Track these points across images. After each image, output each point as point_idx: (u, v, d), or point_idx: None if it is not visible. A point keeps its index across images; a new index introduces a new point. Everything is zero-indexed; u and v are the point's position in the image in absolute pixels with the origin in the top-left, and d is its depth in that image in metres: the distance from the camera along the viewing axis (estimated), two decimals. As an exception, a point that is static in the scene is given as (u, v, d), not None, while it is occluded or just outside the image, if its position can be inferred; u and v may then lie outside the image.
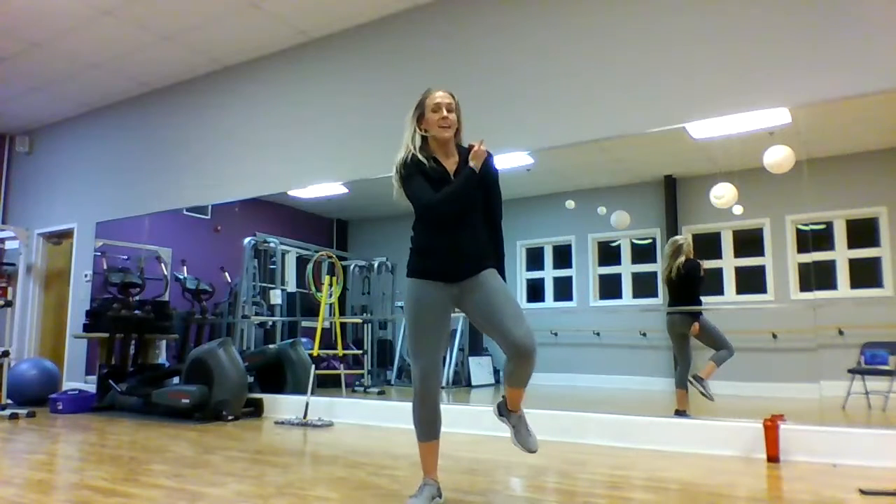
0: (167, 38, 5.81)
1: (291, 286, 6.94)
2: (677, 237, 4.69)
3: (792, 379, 4.46)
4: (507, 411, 2.60)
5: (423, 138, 2.53)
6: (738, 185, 4.50)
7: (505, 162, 4.32)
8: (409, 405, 2.54)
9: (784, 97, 3.82)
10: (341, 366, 5.64)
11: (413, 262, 2.51)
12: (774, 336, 4.68)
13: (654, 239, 5.48)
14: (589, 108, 4.43)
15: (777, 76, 3.84)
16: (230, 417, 5.18)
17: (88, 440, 4.31)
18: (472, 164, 2.48)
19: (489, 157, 2.56)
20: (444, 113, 2.49)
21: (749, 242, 5.00)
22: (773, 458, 3.42)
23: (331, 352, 5.60)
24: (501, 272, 2.56)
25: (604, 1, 4.49)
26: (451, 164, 2.53)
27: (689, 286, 4.47)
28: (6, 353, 6.04)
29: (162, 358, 6.75)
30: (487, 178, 2.55)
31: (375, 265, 6.94)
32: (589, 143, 4.46)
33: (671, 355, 5.04)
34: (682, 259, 4.48)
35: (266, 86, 6.16)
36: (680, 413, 4.18)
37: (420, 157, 2.47)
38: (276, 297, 6.66)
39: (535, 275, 6.18)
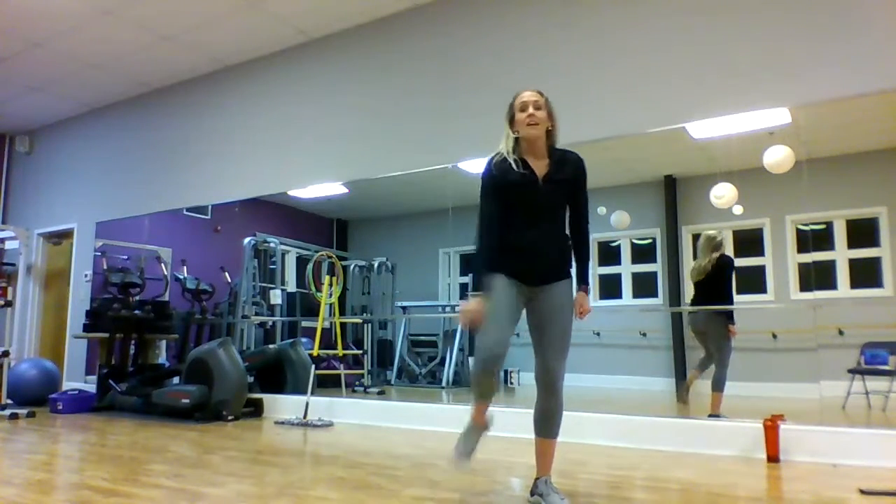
0: (167, 38, 5.81)
1: (291, 286, 6.94)
2: (711, 232, 4.60)
3: (792, 379, 4.46)
4: (534, 484, 2.57)
5: (517, 140, 2.56)
6: (738, 185, 4.50)
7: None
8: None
9: (784, 97, 3.82)
10: (341, 366, 5.64)
11: (494, 260, 2.53)
12: (774, 336, 4.68)
13: (654, 239, 5.48)
14: (589, 108, 4.43)
15: (777, 76, 3.84)
16: (230, 417, 5.18)
17: (88, 440, 4.31)
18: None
19: (581, 162, 2.60)
20: (531, 110, 2.51)
21: (749, 242, 5.00)
22: (773, 458, 3.42)
23: (331, 352, 5.59)
24: (585, 275, 2.60)
25: (604, 1, 4.49)
26: (540, 167, 2.53)
27: (720, 283, 4.43)
28: (6, 353, 6.04)
29: (162, 358, 6.74)
30: (577, 182, 2.58)
31: (375, 265, 6.93)
32: (589, 143, 4.46)
33: (671, 355, 5.04)
34: (717, 254, 4.43)
35: (266, 86, 6.16)
36: (714, 416, 4.08)
37: (509, 159, 2.50)
38: (276, 297, 6.66)
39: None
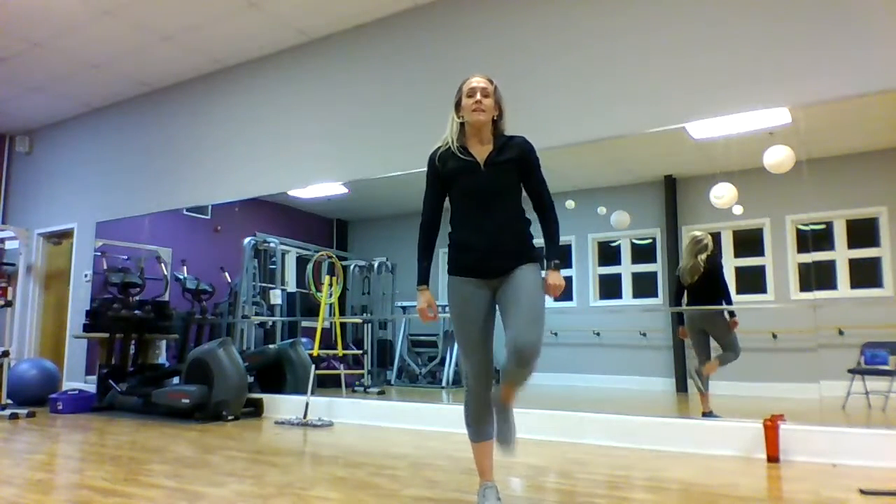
0: (167, 38, 5.81)
1: (291, 286, 6.94)
2: (697, 233, 4.61)
3: (792, 379, 4.46)
4: (496, 400, 2.44)
5: (462, 126, 2.49)
6: (738, 185, 4.50)
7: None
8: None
9: (784, 97, 3.82)
10: (341, 366, 5.64)
11: (450, 258, 2.49)
12: (774, 336, 4.68)
13: (654, 239, 5.48)
14: (589, 108, 4.43)
15: (777, 76, 3.84)
16: (230, 417, 5.18)
17: (88, 440, 4.31)
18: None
19: (527, 143, 2.51)
20: (478, 97, 2.44)
21: (749, 242, 5.00)
22: (773, 458, 3.42)
23: (331, 352, 5.59)
24: (555, 252, 2.47)
25: (604, 2, 4.49)
26: (482, 152, 2.46)
27: (717, 282, 4.45)
28: (6, 353, 6.04)
29: (162, 358, 6.74)
30: (525, 165, 2.47)
31: (375, 265, 6.94)
32: (589, 143, 4.46)
33: (671, 355, 5.04)
34: (705, 255, 4.44)
35: (266, 86, 6.16)
36: (707, 415, 4.12)
37: (453, 148, 2.46)
38: (276, 297, 6.66)
39: (535, 275, 6.16)
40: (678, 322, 4.74)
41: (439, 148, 2.53)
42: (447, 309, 2.52)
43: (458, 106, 2.52)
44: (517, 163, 2.46)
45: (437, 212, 2.54)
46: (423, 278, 2.50)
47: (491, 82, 2.51)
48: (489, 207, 2.42)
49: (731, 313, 4.39)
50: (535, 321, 2.31)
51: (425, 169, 2.60)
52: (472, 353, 2.43)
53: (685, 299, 4.57)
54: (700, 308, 4.49)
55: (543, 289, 2.43)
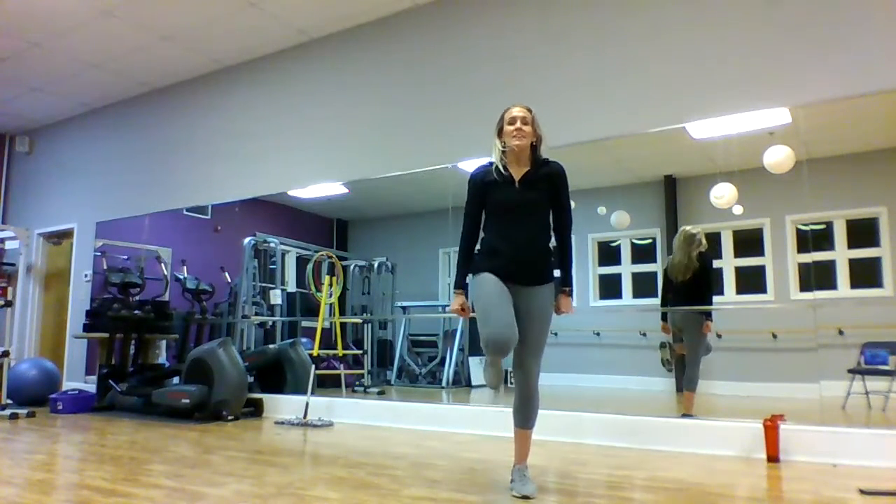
0: (167, 38, 5.82)
1: (291, 286, 6.94)
2: (690, 228, 4.48)
3: (792, 379, 4.46)
4: (512, 471, 2.78)
5: (504, 151, 2.79)
6: (738, 185, 4.50)
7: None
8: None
9: (784, 97, 3.82)
10: (341, 366, 5.64)
11: (479, 262, 2.77)
12: (774, 336, 4.68)
13: (654, 239, 5.47)
14: (589, 109, 4.43)
15: (777, 76, 3.84)
16: (230, 417, 5.18)
17: (88, 440, 4.31)
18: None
19: (560, 167, 2.81)
20: (519, 124, 2.74)
21: (749, 242, 4.99)
22: (773, 458, 3.42)
23: (331, 352, 5.59)
24: (567, 279, 2.83)
25: (604, 2, 4.49)
26: (519, 172, 2.76)
27: (704, 281, 4.38)
28: (6, 353, 6.04)
29: (162, 358, 6.74)
30: (555, 184, 2.77)
31: (375, 265, 6.93)
32: (589, 143, 4.46)
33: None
34: (697, 252, 4.36)
35: (266, 86, 6.16)
36: (686, 416, 4.13)
37: (498, 166, 2.77)
38: (276, 297, 6.66)
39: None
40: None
41: (483, 167, 2.83)
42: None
43: (500, 133, 2.81)
44: (548, 182, 2.76)
45: (477, 224, 2.83)
46: (460, 283, 2.81)
47: (529, 111, 2.80)
48: (519, 220, 2.73)
49: (708, 314, 4.34)
50: (540, 351, 2.75)
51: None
52: (496, 315, 2.58)
53: (671, 296, 4.54)
54: (697, 308, 4.48)
55: (553, 309, 2.79)
